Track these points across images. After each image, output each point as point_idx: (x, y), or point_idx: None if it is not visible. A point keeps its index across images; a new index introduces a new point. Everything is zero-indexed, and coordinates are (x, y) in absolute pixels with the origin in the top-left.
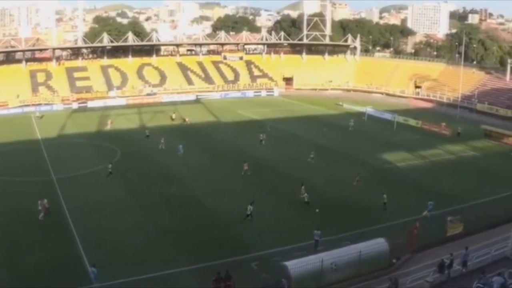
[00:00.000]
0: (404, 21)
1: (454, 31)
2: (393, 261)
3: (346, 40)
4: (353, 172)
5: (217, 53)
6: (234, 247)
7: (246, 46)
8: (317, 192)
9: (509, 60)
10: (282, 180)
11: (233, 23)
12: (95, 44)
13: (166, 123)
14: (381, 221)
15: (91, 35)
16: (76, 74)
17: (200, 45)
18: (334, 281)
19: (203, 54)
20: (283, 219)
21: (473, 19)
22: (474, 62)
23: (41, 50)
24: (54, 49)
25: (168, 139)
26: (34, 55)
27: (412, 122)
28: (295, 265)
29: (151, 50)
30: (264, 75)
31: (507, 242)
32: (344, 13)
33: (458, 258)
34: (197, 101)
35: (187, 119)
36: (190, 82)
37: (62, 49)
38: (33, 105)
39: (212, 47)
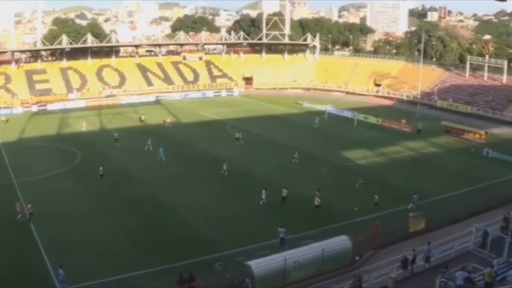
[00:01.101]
0: (363, 19)
1: (413, 28)
2: (356, 258)
3: (305, 39)
4: (315, 170)
5: (177, 53)
6: (198, 248)
7: (205, 46)
8: (280, 192)
9: (468, 57)
10: (244, 179)
11: (192, 23)
12: (54, 46)
13: (132, 125)
14: (343, 218)
15: (50, 37)
16: (35, 77)
17: (160, 45)
18: (298, 279)
19: (162, 55)
20: (246, 218)
21: (432, 16)
22: (434, 59)
23: (0, 53)
24: (13, 51)
25: (137, 141)
26: None
27: (372, 119)
28: (259, 265)
29: (110, 51)
30: (224, 75)
31: (470, 237)
32: (303, 12)
33: (421, 254)
34: (157, 102)
35: (168, 120)
36: (149, 83)
37: (21, 51)
38: None
39: (171, 47)
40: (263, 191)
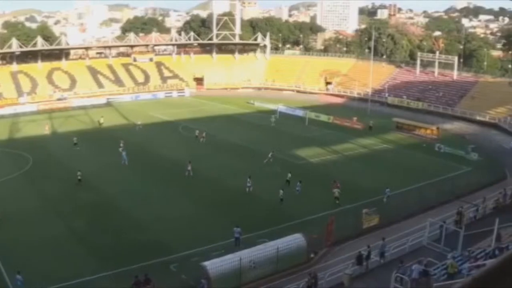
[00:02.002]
0: (313, 18)
1: (363, 26)
2: (311, 255)
3: (256, 39)
4: (267, 169)
5: (127, 55)
6: (153, 250)
7: (156, 47)
8: (233, 190)
9: (419, 54)
10: (199, 180)
11: (142, 25)
12: (4, 50)
13: (91, 128)
14: (297, 216)
15: (0, 41)
16: None
17: (110, 47)
18: (254, 278)
19: (112, 57)
20: (201, 218)
21: (382, 14)
22: (384, 57)
23: None
24: None
25: (99, 144)
26: None
27: (323, 117)
28: (214, 265)
29: (61, 54)
30: (175, 76)
31: (423, 231)
32: (254, 11)
33: (375, 250)
34: (108, 104)
35: (139, 122)
36: (100, 85)
37: None
38: None
39: (121, 49)
40: (248, 179)
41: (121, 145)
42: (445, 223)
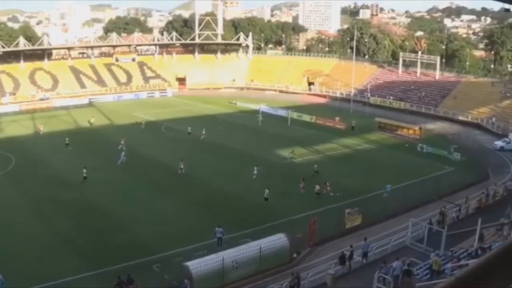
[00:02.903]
0: (295, 18)
1: (345, 26)
2: (294, 255)
3: (238, 39)
4: (250, 169)
5: (109, 55)
6: (135, 250)
7: (138, 48)
8: (218, 191)
9: (401, 54)
10: (181, 180)
11: (124, 25)
12: None
13: (82, 127)
14: (280, 216)
15: None
16: None
17: (92, 47)
18: (237, 279)
19: (95, 57)
20: (184, 218)
21: (364, 14)
22: (366, 57)
23: None
24: None
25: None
26: None
27: (306, 117)
28: (197, 265)
29: (43, 54)
30: (157, 76)
31: (406, 231)
32: (236, 11)
33: (358, 250)
34: (90, 104)
35: (143, 122)
36: (82, 85)
37: None
38: None
39: (104, 49)
40: (255, 168)
41: (122, 142)
42: (428, 224)
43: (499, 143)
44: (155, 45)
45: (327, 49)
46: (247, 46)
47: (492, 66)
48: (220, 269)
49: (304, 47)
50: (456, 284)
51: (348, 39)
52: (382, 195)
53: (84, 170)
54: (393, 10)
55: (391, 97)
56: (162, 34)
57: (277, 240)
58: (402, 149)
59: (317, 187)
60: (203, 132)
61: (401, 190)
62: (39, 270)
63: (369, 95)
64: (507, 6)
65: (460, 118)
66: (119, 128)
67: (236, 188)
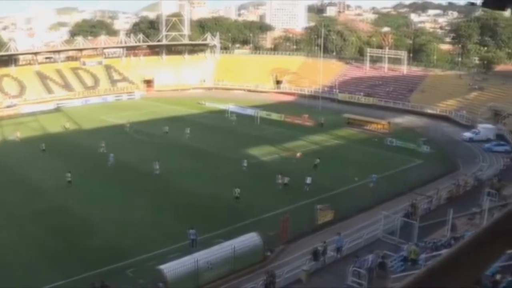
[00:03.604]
0: (262, 17)
1: (312, 24)
2: (267, 254)
3: (205, 39)
4: (222, 169)
5: (76, 59)
6: (109, 255)
7: (105, 50)
8: (190, 193)
9: (368, 50)
10: (152, 183)
11: (91, 28)
12: None
13: (57, 132)
14: (252, 215)
15: None
16: None
17: (59, 52)
18: (212, 279)
19: (61, 61)
20: (157, 221)
21: (331, 11)
22: (334, 54)
23: None
24: None
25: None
26: None
27: (275, 116)
28: (171, 268)
29: (9, 60)
30: (124, 79)
31: (378, 224)
32: (202, 12)
33: (332, 245)
34: (58, 109)
35: (128, 124)
36: (50, 90)
37: None
38: None
39: (70, 53)
40: (279, 176)
41: (103, 145)
42: (400, 216)
43: (467, 135)
44: (122, 47)
45: (294, 47)
46: (214, 46)
47: (459, 59)
48: (195, 270)
49: (271, 46)
50: (429, 274)
51: (315, 36)
52: (369, 185)
53: (69, 174)
54: (359, 7)
55: (359, 93)
56: (129, 36)
57: (250, 239)
58: (371, 144)
59: (309, 179)
60: (187, 131)
61: (371, 184)
62: (9, 278)
63: (337, 91)
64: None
65: (428, 111)
66: (94, 132)
67: (208, 188)
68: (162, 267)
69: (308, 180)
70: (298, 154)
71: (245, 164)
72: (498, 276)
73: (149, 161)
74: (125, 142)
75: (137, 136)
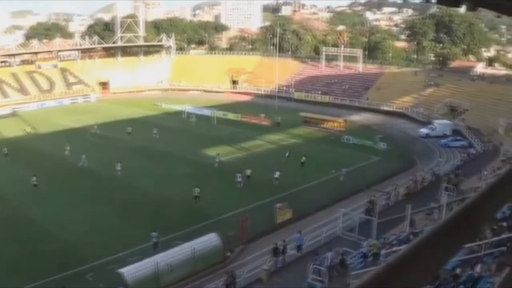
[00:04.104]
0: (217, 17)
1: (268, 23)
2: (227, 254)
3: (160, 40)
4: (181, 170)
5: (31, 62)
6: (67, 260)
7: (60, 53)
8: (149, 195)
9: (323, 48)
10: (110, 185)
11: (46, 31)
12: None
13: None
14: (212, 216)
15: None
16: None
17: (14, 55)
18: (172, 281)
19: (17, 65)
20: (116, 224)
21: (286, 11)
22: (289, 53)
23: None
24: None
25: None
26: None
27: (231, 116)
28: (131, 271)
29: None
30: (80, 82)
31: (337, 222)
32: (157, 12)
33: (292, 243)
34: (14, 114)
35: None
36: (5, 95)
37: None
38: None
39: (26, 56)
40: (239, 174)
41: (67, 148)
42: (360, 213)
43: (424, 131)
44: (77, 50)
45: (249, 46)
46: (169, 47)
47: (415, 56)
48: (155, 273)
49: (227, 46)
50: (388, 270)
51: (270, 36)
52: (339, 179)
53: (34, 178)
54: (314, 6)
55: (315, 92)
56: (84, 39)
57: (209, 240)
58: (328, 142)
59: (277, 173)
60: (155, 131)
61: (329, 182)
62: None
63: (293, 90)
64: None
65: (385, 108)
66: (55, 136)
67: (167, 190)
68: (122, 270)
69: (277, 174)
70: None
71: (217, 160)
72: (458, 270)
73: (111, 163)
74: (87, 144)
75: (93, 140)
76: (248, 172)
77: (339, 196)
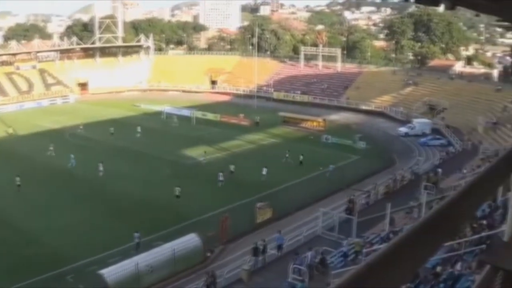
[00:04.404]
0: (196, 17)
1: (246, 23)
2: (207, 254)
3: (139, 40)
4: (160, 170)
5: (10, 63)
6: (48, 262)
7: (38, 54)
8: (129, 196)
9: (302, 48)
10: (91, 187)
11: (24, 31)
12: None
13: None
14: (192, 216)
15: None
16: None
17: None
18: (153, 282)
19: None
20: (95, 226)
21: (265, 10)
22: (268, 52)
23: None
24: None
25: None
26: None
27: (210, 116)
28: (111, 272)
29: None
30: (59, 82)
31: (317, 221)
32: (136, 13)
33: (272, 243)
34: None
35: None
36: None
37: None
38: None
39: (4, 57)
40: (220, 174)
41: (51, 148)
42: (340, 212)
43: (403, 129)
44: (56, 50)
45: (228, 47)
46: (148, 47)
47: (393, 55)
48: (135, 274)
49: (206, 46)
50: (368, 270)
51: (249, 36)
52: (325, 175)
53: (18, 179)
54: (293, 5)
55: (294, 91)
56: (62, 39)
57: (190, 240)
58: (307, 142)
59: (264, 170)
60: (138, 130)
61: (309, 182)
62: None
63: (272, 90)
64: None
65: (364, 107)
66: (37, 137)
67: (147, 191)
68: (102, 271)
69: (264, 171)
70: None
71: (203, 159)
72: (438, 268)
73: (92, 164)
74: (68, 145)
75: (73, 141)
76: (232, 167)
77: (319, 196)
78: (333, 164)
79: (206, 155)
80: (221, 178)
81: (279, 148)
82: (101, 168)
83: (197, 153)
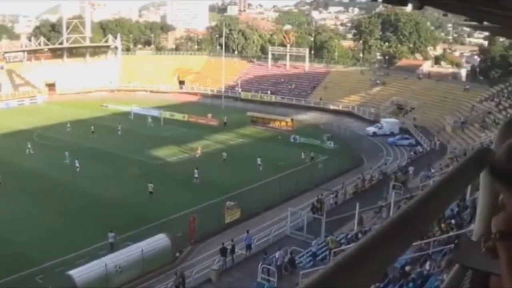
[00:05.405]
0: (164, 17)
1: (214, 24)
2: (176, 255)
3: (107, 41)
4: (127, 171)
5: None
6: (16, 264)
7: (6, 55)
8: (98, 196)
9: (270, 48)
10: (60, 187)
11: None
12: None
13: None
14: (162, 216)
15: None
16: None
17: None
18: (121, 283)
19: None
20: (64, 227)
21: (232, 10)
22: (236, 52)
23: None
24: None
25: None
26: None
27: (178, 116)
28: (80, 273)
29: None
30: (27, 83)
31: (285, 221)
32: (104, 13)
33: (240, 243)
34: None
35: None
36: None
37: None
38: None
39: None
40: (196, 171)
41: (29, 146)
42: (307, 211)
43: (371, 129)
44: (23, 51)
45: (196, 47)
46: (116, 47)
47: (361, 55)
48: (104, 274)
49: (174, 46)
50: (336, 269)
51: (217, 36)
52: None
53: None
54: (261, 5)
55: (262, 91)
56: (30, 40)
57: (158, 240)
58: (276, 141)
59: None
60: (119, 127)
61: (277, 181)
62: None
63: (240, 90)
64: None
65: (332, 107)
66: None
67: (117, 191)
68: (71, 272)
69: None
70: (198, 151)
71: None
72: (407, 268)
73: (60, 164)
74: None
75: (41, 142)
76: (224, 155)
77: (287, 195)
78: (299, 164)
79: (201, 148)
80: (196, 175)
81: (248, 148)
82: (77, 165)
83: (165, 153)
